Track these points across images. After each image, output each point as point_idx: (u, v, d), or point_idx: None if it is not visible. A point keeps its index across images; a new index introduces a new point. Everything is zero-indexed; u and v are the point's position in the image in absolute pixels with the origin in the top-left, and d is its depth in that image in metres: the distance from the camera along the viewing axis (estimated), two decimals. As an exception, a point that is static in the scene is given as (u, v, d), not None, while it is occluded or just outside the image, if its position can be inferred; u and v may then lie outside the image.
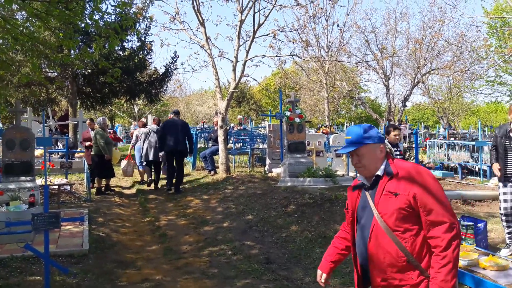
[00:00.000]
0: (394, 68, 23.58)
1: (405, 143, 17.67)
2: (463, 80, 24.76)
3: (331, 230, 6.16)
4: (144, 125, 11.67)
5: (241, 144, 14.32)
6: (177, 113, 10.07)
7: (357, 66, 22.92)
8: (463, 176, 11.13)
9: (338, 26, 21.07)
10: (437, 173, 10.91)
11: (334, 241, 2.55)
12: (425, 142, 14.34)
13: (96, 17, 7.30)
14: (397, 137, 6.03)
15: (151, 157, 10.27)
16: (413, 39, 21.95)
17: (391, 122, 22.62)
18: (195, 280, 4.88)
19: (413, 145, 7.64)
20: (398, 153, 5.99)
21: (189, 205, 8.45)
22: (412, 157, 6.03)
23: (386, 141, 6.01)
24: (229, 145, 12.15)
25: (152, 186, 10.44)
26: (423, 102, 30.95)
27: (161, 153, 9.79)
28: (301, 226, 6.44)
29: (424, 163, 6.10)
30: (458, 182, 10.31)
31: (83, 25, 7.60)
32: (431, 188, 2.09)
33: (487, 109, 38.75)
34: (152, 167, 10.72)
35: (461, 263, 4.33)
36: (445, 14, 21.12)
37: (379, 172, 2.19)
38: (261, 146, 14.04)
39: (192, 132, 11.46)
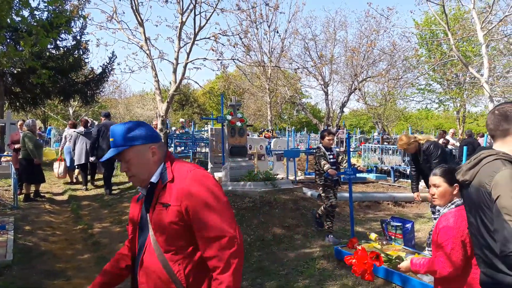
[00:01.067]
0: (333, 75, 24.51)
1: (342, 147, 18.37)
2: (396, 88, 26.29)
3: (269, 233, 6.24)
4: (74, 125, 11.35)
5: (182, 148, 14.12)
6: (108, 115, 10.27)
7: (296, 72, 23.53)
8: (396, 179, 11.78)
9: (277, 32, 21.53)
10: (371, 176, 11.47)
11: (115, 257, 2.07)
12: (360, 146, 14.99)
13: (25, 13, 6.89)
14: (331, 141, 6.24)
15: (83, 160, 10.10)
16: (351, 48, 22.95)
17: (329, 127, 23.45)
18: (129, 288, 4.71)
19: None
20: (331, 157, 6.21)
21: (125, 211, 8.15)
22: (345, 161, 6.26)
23: (320, 145, 6.22)
24: (170, 149, 11.91)
25: (89, 187, 10.38)
26: (360, 108, 32.40)
27: (92, 158, 9.71)
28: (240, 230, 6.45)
29: (356, 166, 6.34)
30: (390, 185, 10.89)
31: (9, 20, 7.09)
32: (207, 196, 1.71)
33: (418, 115, 41.42)
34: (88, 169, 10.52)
35: (390, 261, 4.56)
36: (380, 24, 22.33)
37: (153, 179, 1.80)
38: (203, 150, 13.93)
39: None
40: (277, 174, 10.24)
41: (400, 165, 12.02)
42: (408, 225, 5.55)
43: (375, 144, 15.27)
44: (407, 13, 39.32)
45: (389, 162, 12.45)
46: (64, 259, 5.69)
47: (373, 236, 5.45)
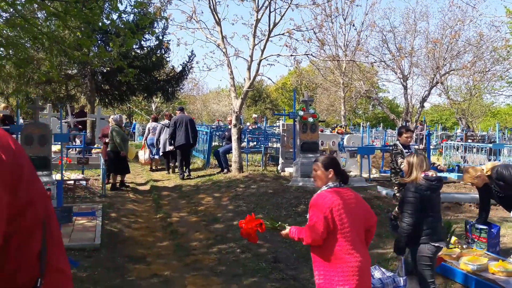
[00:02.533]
0: (413, 68, 23.26)
1: (422, 144, 17.44)
2: (483, 81, 24.29)
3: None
4: (156, 119, 13.43)
5: (255, 143, 14.37)
6: (182, 109, 11.73)
7: (373, 66, 22.71)
8: (480, 179, 10.94)
9: (353, 25, 20.90)
10: (453, 176, 10.75)
11: None
12: (441, 144, 14.12)
13: (114, 16, 7.45)
14: (409, 139, 5.99)
15: (167, 148, 11.58)
16: (432, 39, 21.63)
17: (408, 123, 22.36)
18: (203, 277, 4.94)
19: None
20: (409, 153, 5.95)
21: (201, 202, 8.54)
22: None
23: (397, 142, 5.99)
24: (243, 144, 12.21)
25: (171, 173, 11.93)
26: (442, 103, 30.48)
27: (171, 147, 11.18)
28: (310, 226, 6.45)
29: (435, 165, 6.02)
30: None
31: (100, 24, 7.74)
32: None
33: (507, 111, 37.84)
34: (170, 156, 12.00)
35: (470, 267, 4.29)
36: (466, 14, 20.75)
37: None
38: (274, 146, 14.06)
39: (207, 130, 12.39)
40: (350, 171, 10.04)
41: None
42: (494, 230, 5.17)
43: (457, 141, 14.29)
44: (497, 1, 36.00)
45: (473, 161, 11.59)
46: (145, 246, 6.12)
47: (452, 239, 5.15)
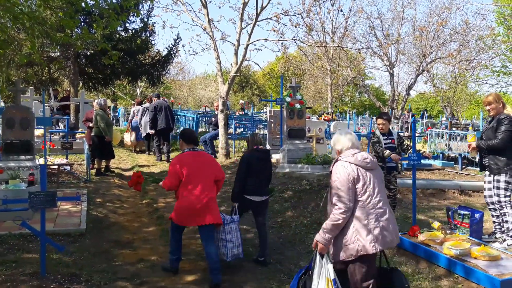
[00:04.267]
0: (399, 55, 23.38)
1: (407, 132, 17.62)
2: (468, 69, 24.55)
3: (326, 217, 6.19)
4: (140, 103, 13.63)
5: (242, 129, 14.31)
6: (158, 96, 12.17)
7: (360, 53, 22.72)
8: (463, 166, 11.12)
9: (341, 11, 20.82)
10: (437, 163, 10.91)
11: None
12: (427, 132, 14.28)
13: (98, -4, 7.24)
14: (380, 126, 5.93)
15: (148, 130, 11.89)
16: (419, 27, 21.71)
17: (394, 111, 22.54)
18: (190, 261, 4.94)
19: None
20: (389, 141, 5.93)
21: (188, 188, 8.49)
22: (410, 148, 5.98)
23: (376, 130, 5.96)
24: (230, 130, 12.15)
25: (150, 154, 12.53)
26: (428, 91, 30.76)
27: (151, 131, 11.47)
28: (297, 212, 6.49)
29: (420, 152, 6.05)
30: (457, 173, 10.32)
31: (84, 5, 7.52)
32: None
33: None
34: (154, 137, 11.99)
35: (453, 252, 4.36)
36: (453, 1, 20.85)
37: None
38: (261, 132, 14.01)
39: (193, 116, 12.48)
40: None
41: (468, 152, 11.30)
42: (477, 215, 5.26)
43: (442, 129, 14.47)
44: (484, -12, 36.20)
45: (457, 148, 11.76)
46: (131, 231, 6.08)
47: (436, 224, 5.23)
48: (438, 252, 4.51)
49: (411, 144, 5.81)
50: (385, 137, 5.92)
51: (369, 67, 29.20)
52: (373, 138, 5.97)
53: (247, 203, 4.90)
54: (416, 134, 11.72)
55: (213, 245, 4.41)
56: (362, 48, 19.60)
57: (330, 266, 3.11)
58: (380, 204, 3.16)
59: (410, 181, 6.68)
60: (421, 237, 4.87)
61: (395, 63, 23.25)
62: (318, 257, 3.19)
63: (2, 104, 12.78)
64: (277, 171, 8.29)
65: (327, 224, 3.15)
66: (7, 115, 6.81)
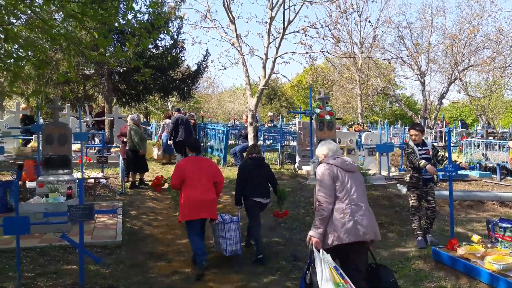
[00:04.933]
0: (430, 64, 22.94)
1: (441, 142, 17.15)
2: (503, 77, 23.76)
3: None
4: (169, 116, 13.90)
5: (271, 141, 14.33)
6: (179, 110, 12.68)
7: (389, 63, 22.43)
8: (502, 177, 10.70)
9: (369, 22, 20.67)
10: (474, 174, 10.55)
11: None
12: (461, 141, 13.86)
13: (130, 16, 7.50)
14: (413, 137, 5.76)
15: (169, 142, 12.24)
16: (450, 35, 21.26)
17: (427, 120, 22.02)
18: (223, 274, 4.96)
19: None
20: (424, 152, 5.74)
21: (219, 200, 8.54)
22: (445, 159, 5.80)
23: (409, 141, 5.80)
24: (259, 142, 12.19)
25: None
26: (461, 100, 29.92)
27: (170, 142, 11.97)
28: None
29: (457, 162, 5.86)
30: (496, 183, 9.93)
31: (116, 24, 7.80)
32: None
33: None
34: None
35: (496, 267, 4.19)
36: (484, 8, 20.33)
37: None
38: (291, 144, 13.97)
39: (223, 129, 12.68)
40: (369, 170, 9.93)
41: (507, 162, 10.87)
42: (519, 228, 5.03)
43: (478, 138, 14.00)
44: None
45: (495, 158, 11.33)
46: (165, 243, 6.16)
47: (475, 238, 5.05)
48: (479, 267, 4.34)
49: (446, 155, 5.64)
50: (419, 148, 5.77)
51: (399, 77, 28.74)
52: (407, 149, 5.82)
53: (253, 204, 5.60)
54: (451, 144, 11.37)
55: (202, 238, 5.31)
56: (392, 58, 19.33)
57: (328, 256, 3.37)
58: (356, 201, 3.56)
59: (446, 193, 6.49)
60: (460, 251, 4.71)
61: (426, 72, 22.82)
62: (315, 251, 3.49)
63: (42, 120, 13.34)
64: (308, 182, 8.23)
65: (315, 220, 3.57)
66: (46, 131, 7.11)
